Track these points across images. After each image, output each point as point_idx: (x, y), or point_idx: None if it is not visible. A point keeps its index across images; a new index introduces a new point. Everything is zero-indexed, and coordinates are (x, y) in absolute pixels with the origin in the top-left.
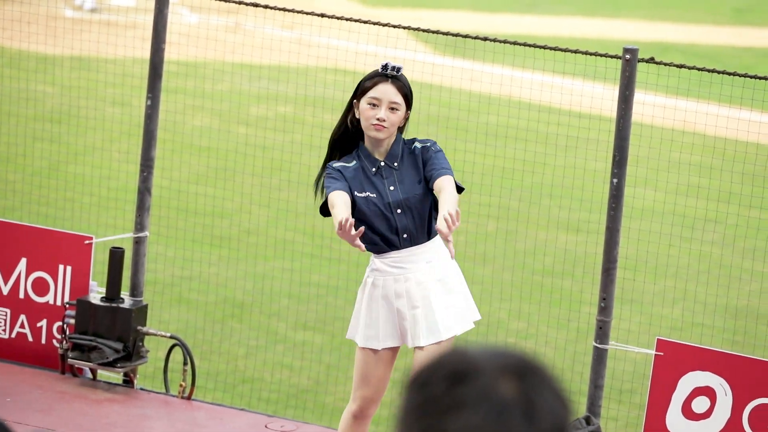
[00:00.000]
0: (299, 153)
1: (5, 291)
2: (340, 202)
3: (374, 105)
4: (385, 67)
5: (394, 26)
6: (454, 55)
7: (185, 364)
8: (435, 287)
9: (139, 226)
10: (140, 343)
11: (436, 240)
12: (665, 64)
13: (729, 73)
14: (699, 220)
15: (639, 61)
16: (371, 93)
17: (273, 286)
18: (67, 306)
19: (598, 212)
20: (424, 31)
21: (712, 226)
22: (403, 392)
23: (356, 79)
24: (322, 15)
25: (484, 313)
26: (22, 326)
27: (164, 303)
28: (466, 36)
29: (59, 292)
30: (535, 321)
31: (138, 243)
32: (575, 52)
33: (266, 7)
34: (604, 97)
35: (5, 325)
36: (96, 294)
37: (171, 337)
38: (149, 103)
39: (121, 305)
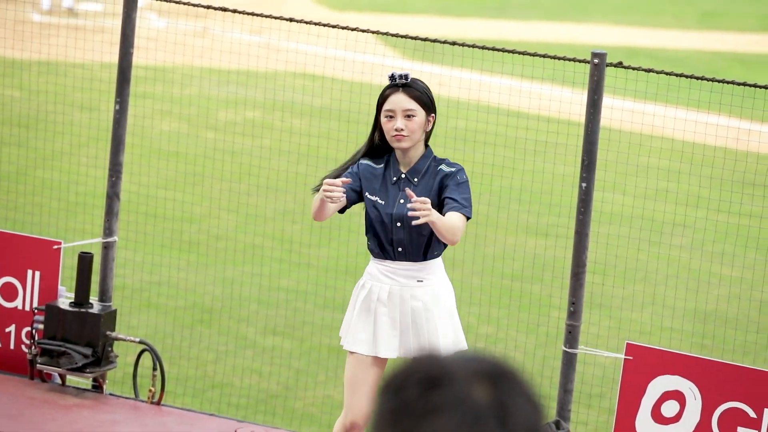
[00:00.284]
0: (268, 158)
1: None
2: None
3: (390, 117)
4: (392, 77)
5: (363, 31)
6: (422, 59)
7: (154, 369)
8: (434, 310)
9: (108, 231)
10: (109, 349)
11: (434, 263)
12: (633, 69)
13: (697, 78)
14: (667, 225)
15: (607, 66)
16: (385, 106)
17: (242, 291)
18: (36, 311)
19: (567, 216)
20: (392, 35)
21: (680, 230)
22: (377, 397)
23: (324, 83)
24: (291, 19)
25: None
26: None
27: (133, 308)
28: (434, 40)
29: (28, 297)
30: (505, 325)
31: (107, 248)
32: (543, 56)
33: (234, 11)
34: (573, 102)
35: None
36: (65, 299)
37: (140, 342)
38: (117, 107)
39: (90, 310)
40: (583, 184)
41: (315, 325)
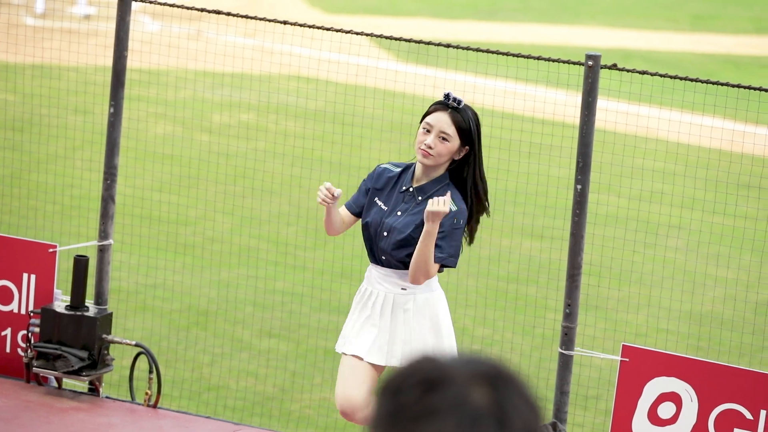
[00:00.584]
0: (262, 160)
1: None
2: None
3: (427, 131)
4: (446, 96)
5: (357, 33)
6: (416, 62)
7: (150, 372)
8: (415, 320)
9: (103, 234)
10: (105, 352)
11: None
12: (628, 71)
13: (691, 80)
14: (662, 226)
15: (602, 68)
16: (427, 119)
17: (237, 293)
18: (32, 314)
19: (562, 219)
20: (386, 38)
21: (675, 232)
22: (375, 400)
23: (318, 86)
24: (284, 22)
25: None
26: None
27: (128, 311)
28: (428, 43)
29: (23, 300)
30: (500, 328)
31: (102, 251)
32: (538, 58)
33: (228, 14)
34: (567, 104)
35: None
36: (60, 302)
37: (136, 345)
38: (112, 111)
39: (86, 313)
40: (578, 186)
41: (311, 328)
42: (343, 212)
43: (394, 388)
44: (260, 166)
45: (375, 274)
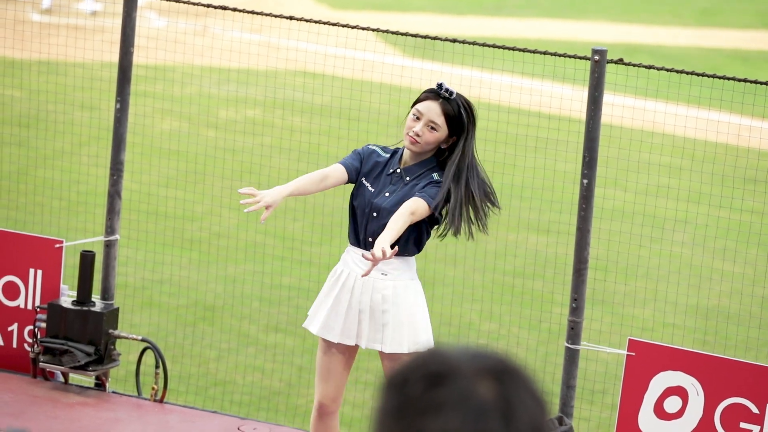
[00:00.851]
0: (268, 156)
1: None
2: (320, 172)
3: (417, 118)
4: (439, 86)
5: (363, 29)
6: (422, 57)
7: (157, 367)
8: (391, 307)
9: (110, 229)
10: (112, 347)
11: (403, 261)
12: (634, 65)
13: (698, 74)
14: (669, 221)
15: (608, 63)
16: (418, 106)
17: (243, 288)
18: (38, 310)
19: (569, 213)
20: (392, 33)
21: (682, 226)
22: (380, 393)
23: (324, 81)
24: (291, 18)
25: (456, 315)
26: None
27: (135, 306)
28: (434, 38)
29: (30, 296)
30: (507, 322)
31: (108, 246)
32: (544, 53)
33: (234, 10)
34: (573, 99)
35: None
36: (67, 298)
37: (142, 340)
38: (118, 106)
39: (93, 309)
40: (585, 181)
41: None
42: (336, 169)
43: (399, 382)
44: (266, 162)
45: (355, 257)
